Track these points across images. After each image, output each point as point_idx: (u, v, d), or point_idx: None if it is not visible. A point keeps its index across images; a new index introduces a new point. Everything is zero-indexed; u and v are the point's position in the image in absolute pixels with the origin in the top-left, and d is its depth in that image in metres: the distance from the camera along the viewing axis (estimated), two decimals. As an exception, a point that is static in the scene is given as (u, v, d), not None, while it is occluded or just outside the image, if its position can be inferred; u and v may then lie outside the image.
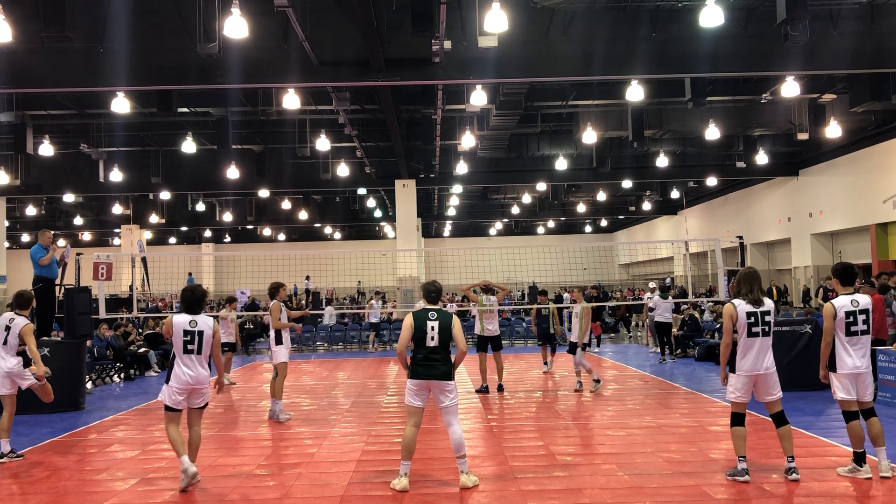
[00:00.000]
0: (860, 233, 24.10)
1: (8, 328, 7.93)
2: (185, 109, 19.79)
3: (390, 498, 6.09)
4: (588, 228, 49.87)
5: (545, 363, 14.70)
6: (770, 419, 6.47)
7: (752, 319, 6.24)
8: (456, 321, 6.45)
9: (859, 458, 6.21)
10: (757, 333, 6.23)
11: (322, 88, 17.79)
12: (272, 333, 10.08)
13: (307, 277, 33.75)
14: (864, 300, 6.36)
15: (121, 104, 16.98)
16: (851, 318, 6.27)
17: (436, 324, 6.31)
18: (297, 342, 22.23)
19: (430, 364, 6.30)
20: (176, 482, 6.73)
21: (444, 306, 12.43)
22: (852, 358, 6.25)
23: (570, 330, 12.90)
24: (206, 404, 6.70)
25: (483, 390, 11.96)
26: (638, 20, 14.06)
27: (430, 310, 6.44)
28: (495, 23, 11.54)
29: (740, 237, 13.97)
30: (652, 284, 18.88)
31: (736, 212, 32.98)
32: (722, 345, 6.42)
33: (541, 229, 49.35)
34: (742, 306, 6.27)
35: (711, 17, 12.25)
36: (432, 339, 6.29)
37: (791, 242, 28.38)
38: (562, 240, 47.82)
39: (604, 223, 48.38)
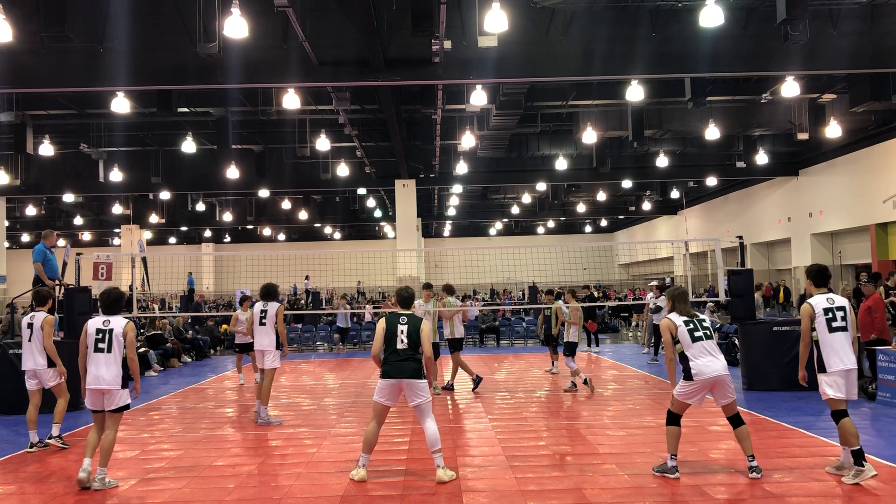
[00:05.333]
0: (860, 233, 24.10)
1: (30, 325, 8.38)
2: (185, 109, 19.80)
3: (390, 498, 6.09)
4: (588, 228, 49.89)
5: (553, 364, 14.68)
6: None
7: (691, 326, 6.44)
8: (426, 325, 6.72)
9: (859, 457, 6.06)
10: (700, 337, 6.39)
11: (322, 88, 17.79)
12: (272, 337, 9.58)
13: (307, 277, 33.76)
14: (839, 299, 6.44)
15: (121, 104, 16.98)
16: (831, 315, 6.33)
17: (405, 327, 6.64)
18: (297, 342, 22.22)
19: (401, 363, 6.54)
20: (176, 482, 6.75)
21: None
22: (839, 356, 6.25)
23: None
24: (122, 408, 6.62)
25: (450, 388, 12.32)
26: (638, 20, 14.06)
27: (401, 314, 6.75)
28: (495, 23, 11.54)
29: (740, 237, 13.91)
30: (653, 283, 18.73)
31: (736, 212, 32.98)
32: (666, 359, 6.59)
33: (541, 229, 49.36)
34: (677, 318, 6.50)
35: (711, 17, 12.24)
36: (402, 341, 6.60)
37: (791, 242, 28.38)
38: (562, 240, 47.87)
39: (604, 223, 48.40)
